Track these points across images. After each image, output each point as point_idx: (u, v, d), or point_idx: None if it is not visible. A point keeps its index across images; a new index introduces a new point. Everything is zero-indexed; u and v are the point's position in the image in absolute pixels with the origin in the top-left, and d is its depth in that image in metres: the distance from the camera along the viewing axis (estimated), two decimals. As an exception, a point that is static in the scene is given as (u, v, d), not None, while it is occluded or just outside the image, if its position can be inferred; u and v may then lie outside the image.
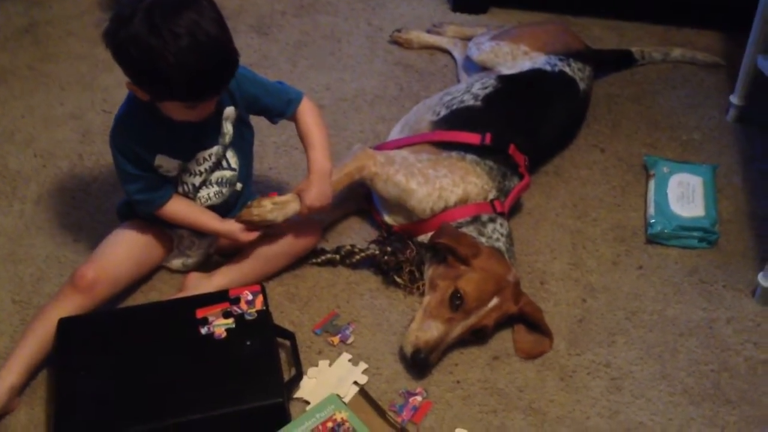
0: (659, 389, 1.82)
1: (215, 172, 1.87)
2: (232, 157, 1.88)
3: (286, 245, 1.94)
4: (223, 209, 1.92)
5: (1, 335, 1.84)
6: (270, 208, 1.86)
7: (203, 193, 1.89)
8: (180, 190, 1.87)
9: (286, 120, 1.93)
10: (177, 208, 1.86)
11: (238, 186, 1.93)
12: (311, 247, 2.00)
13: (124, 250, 1.87)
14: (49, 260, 2.00)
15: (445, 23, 2.80)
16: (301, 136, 1.93)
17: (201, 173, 1.85)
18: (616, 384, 1.83)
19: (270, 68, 2.61)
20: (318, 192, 1.87)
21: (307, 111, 1.92)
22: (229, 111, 1.82)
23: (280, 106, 1.90)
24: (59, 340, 1.71)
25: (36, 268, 1.99)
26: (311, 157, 1.90)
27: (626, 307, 1.99)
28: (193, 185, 1.86)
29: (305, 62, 2.65)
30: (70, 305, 1.77)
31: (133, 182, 1.80)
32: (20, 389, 1.71)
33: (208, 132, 1.81)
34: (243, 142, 1.91)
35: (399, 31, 2.75)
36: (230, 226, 1.88)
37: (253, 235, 1.88)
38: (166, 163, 1.80)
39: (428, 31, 2.77)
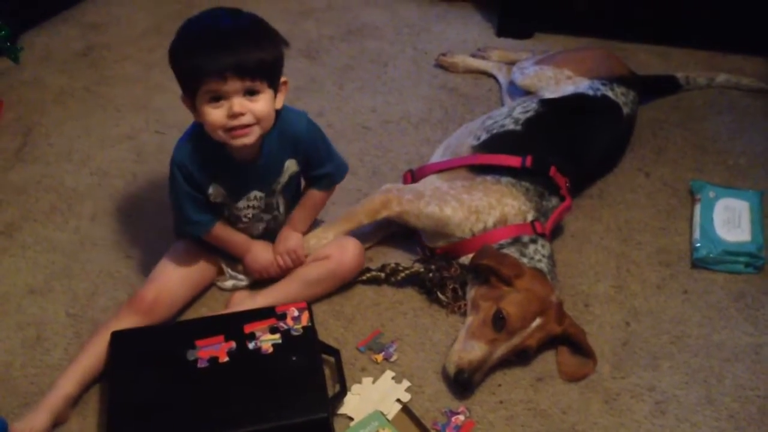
0: (704, 414, 1.81)
1: (264, 213, 1.94)
2: (281, 204, 1.95)
3: (330, 271, 1.97)
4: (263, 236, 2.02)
5: (55, 347, 1.90)
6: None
7: (258, 226, 1.97)
8: (225, 213, 1.93)
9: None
10: (218, 230, 1.91)
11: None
12: (355, 273, 2.02)
13: (180, 273, 1.93)
14: (102, 275, 2.06)
15: (490, 48, 2.83)
16: (306, 196, 1.99)
17: (249, 207, 1.90)
18: (661, 408, 1.82)
19: (318, 91, 2.66)
20: (290, 245, 1.97)
21: (328, 193, 2.00)
22: (291, 164, 1.87)
23: (321, 173, 1.94)
24: (113, 352, 1.76)
25: (90, 282, 2.05)
26: (295, 215, 1.99)
27: (671, 331, 1.98)
28: (238, 216, 1.92)
29: (352, 85, 2.70)
30: (128, 326, 1.82)
31: (190, 202, 1.83)
32: (75, 400, 1.76)
33: (265, 176, 1.87)
34: (294, 191, 1.98)
35: (444, 54, 2.79)
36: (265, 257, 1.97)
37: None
38: (215, 191, 1.85)
39: (473, 56, 2.80)
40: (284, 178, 1.89)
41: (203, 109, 1.69)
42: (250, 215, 1.93)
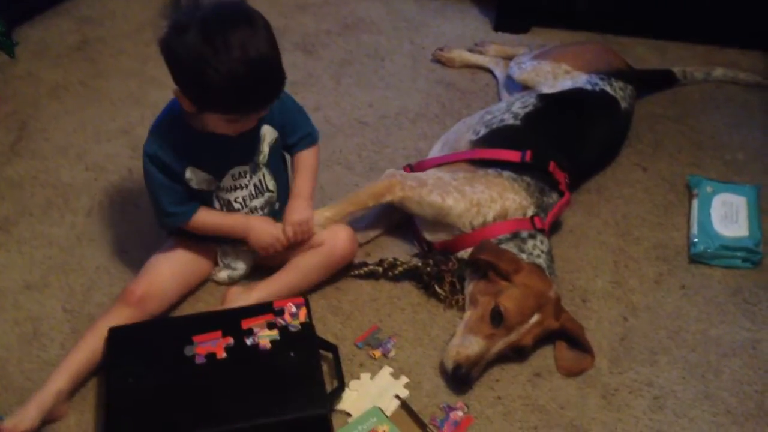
0: (702, 409, 1.81)
1: (255, 199, 1.93)
2: (270, 180, 1.94)
3: (323, 258, 1.96)
4: None
5: (52, 343, 1.89)
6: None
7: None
8: (216, 206, 1.91)
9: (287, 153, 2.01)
10: (206, 217, 1.89)
11: (277, 206, 1.98)
12: (349, 260, 2.01)
13: (171, 266, 1.92)
14: (99, 270, 2.06)
15: (487, 42, 2.82)
16: (296, 163, 1.98)
17: (236, 188, 1.89)
18: (659, 403, 1.82)
19: (314, 86, 2.65)
20: (300, 217, 1.93)
21: (314, 150, 1.99)
22: (268, 130, 1.87)
23: (300, 135, 1.95)
24: (109, 347, 1.76)
25: (86, 278, 2.04)
26: (297, 183, 1.97)
27: (669, 326, 1.98)
28: (228, 201, 1.90)
29: (349, 80, 2.69)
30: (121, 320, 1.81)
31: (165, 193, 1.83)
32: (68, 395, 1.75)
33: (244, 149, 1.86)
34: (279, 165, 1.97)
35: (441, 49, 2.78)
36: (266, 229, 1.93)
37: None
38: (196, 176, 1.84)
39: (470, 50, 2.79)
40: (264, 148, 1.88)
41: (213, 121, 1.73)
42: (241, 199, 1.91)
